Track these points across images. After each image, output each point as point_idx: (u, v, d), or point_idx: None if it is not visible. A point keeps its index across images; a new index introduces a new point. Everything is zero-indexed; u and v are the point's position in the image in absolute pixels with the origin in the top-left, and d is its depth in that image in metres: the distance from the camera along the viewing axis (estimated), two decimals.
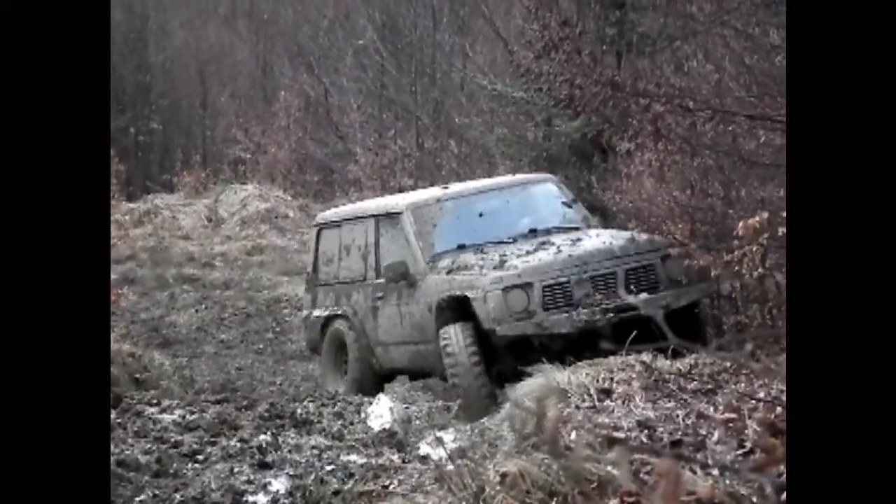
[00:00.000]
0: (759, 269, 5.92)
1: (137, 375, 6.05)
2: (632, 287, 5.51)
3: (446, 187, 6.74)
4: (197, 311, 10.30)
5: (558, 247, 5.74)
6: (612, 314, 5.36)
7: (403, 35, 15.61)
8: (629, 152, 7.00)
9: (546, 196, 6.40)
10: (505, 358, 5.48)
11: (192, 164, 17.74)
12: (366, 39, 16.30)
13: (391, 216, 6.23)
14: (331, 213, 7.06)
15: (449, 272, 5.74)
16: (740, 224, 5.06)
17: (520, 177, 7.12)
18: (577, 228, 6.15)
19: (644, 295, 5.46)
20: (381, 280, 6.12)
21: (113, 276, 10.64)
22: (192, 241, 13.06)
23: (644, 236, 5.88)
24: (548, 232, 6.03)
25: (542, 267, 5.51)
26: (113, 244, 10.42)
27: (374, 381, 6.30)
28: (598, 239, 5.88)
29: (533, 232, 6.04)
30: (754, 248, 5.75)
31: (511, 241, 5.91)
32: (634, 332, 4.32)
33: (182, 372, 7.36)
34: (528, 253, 5.72)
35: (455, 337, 5.49)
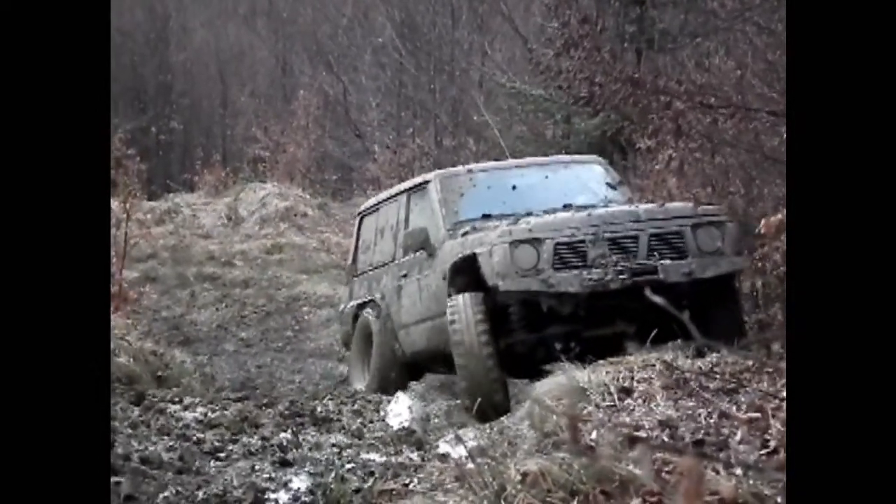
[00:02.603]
0: (781, 268, 5.86)
1: (159, 373, 6.09)
2: (654, 253, 4.99)
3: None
4: (217, 309, 10.37)
5: (580, 208, 5.35)
6: (626, 276, 4.88)
7: (422, 33, 15.61)
8: (649, 150, 6.96)
9: (589, 176, 5.95)
10: (516, 331, 4.97)
11: (212, 163, 17.84)
12: (384, 38, 16.32)
13: (421, 188, 5.91)
14: (372, 199, 6.76)
15: (465, 234, 5.38)
16: (762, 222, 5.01)
17: (564, 156, 6.77)
18: None
19: (667, 261, 4.98)
20: (407, 257, 5.79)
21: (134, 275, 10.74)
22: (212, 239, 13.15)
23: (677, 204, 5.40)
24: (584, 208, 5.46)
25: (556, 223, 5.06)
26: (134, 243, 10.53)
27: (398, 372, 5.87)
28: (626, 205, 5.46)
29: (568, 207, 5.55)
30: (776, 246, 5.70)
31: (541, 212, 5.44)
32: (655, 331, 4.25)
33: (203, 370, 7.41)
34: (547, 214, 5.33)
35: (462, 306, 5.00)
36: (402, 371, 5.93)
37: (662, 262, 4.98)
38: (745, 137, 5.89)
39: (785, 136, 5.64)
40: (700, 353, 4.05)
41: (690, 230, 5.11)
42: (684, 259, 5.04)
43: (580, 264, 4.96)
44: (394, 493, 3.33)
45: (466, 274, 5.13)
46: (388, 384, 5.77)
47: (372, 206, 6.49)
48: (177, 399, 4.87)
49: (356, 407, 4.88)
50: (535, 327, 4.96)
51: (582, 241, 4.98)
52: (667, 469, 2.50)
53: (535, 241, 4.95)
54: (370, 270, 6.26)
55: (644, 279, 4.81)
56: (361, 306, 6.21)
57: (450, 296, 5.16)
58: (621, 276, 4.89)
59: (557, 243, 4.96)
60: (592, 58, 5.96)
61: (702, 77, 6.46)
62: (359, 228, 6.55)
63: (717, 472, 2.43)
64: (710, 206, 5.39)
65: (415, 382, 6.29)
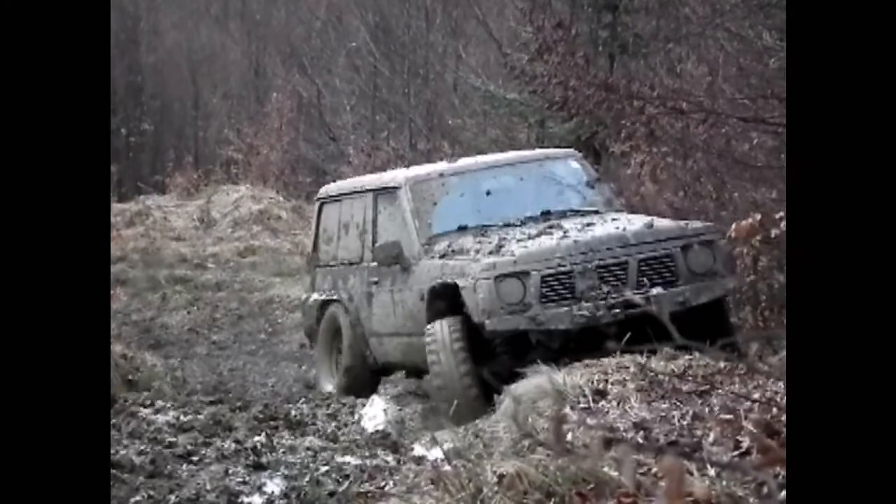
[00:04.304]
0: (752, 271, 5.94)
1: (130, 377, 6.01)
2: (644, 280, 4.80)
3: (455, 160, 6.08)
4: (189, 312, 10.26)
5: (565, 231, 5.06)
6: (618, 310, 4.68)
7: (396, 37, 15.61)
8: (623, 154, 7.03)
9: (566, 174, 5.61)
10: (500, 357, 4.84)
11: (183, 165, 17.68)
12: (358, 41, 16.29)
13: (390, 191, 5.61)
14: (333, 187, 6.41)
15: (442, 256, 5.12)
16: (733, 226, 5.07)
17: (538, 152, 6.32)
18: (597, 212, 5.40)
19: (658, 289, 4.79)
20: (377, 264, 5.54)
21: None
22: (183, 242, 13.02)
23: (666, 222, 5.18)
24: (563, 215, 5.33)
25: (542, 253, 4.83)
26: None
27: (369, 376, 5.74)
28: (611, 224, 5.16)
29: (546, 214, 5.35)
30: (746, 250, 5.78)
31: (519, 223, 5.26)
32: (629, 334, 4.25)
33: (174, 373, 7.34)
34: (529, 237, 5.05)
35: (440, 334, 4.84)
36: (374, 375, 5.80)
37: (654, 291, 4.80)
38: (716, 142, 5.97)
39: (756, 141, 5.74)
40: (673, 356, 4.06)
41: (681, 251, 4.92)
42: (676, 285, 4.87)
43: (569, 297, 4.78)
44: (369, 495, 3.32)
45: (446, 299, 4.96)
46: (359, 388, 5.61)
47: (334, 196, 6.16)
48: (148, 402, 4.82)
49: (330, 410, 4.86)
50: (520, 355, 4.79)
51: (570, 272, 4.78)
52: (642, 471, 2.52)
53: (521, 275, 4.74)
54: (335, 265, 5.99)
55: (637, 312, 4.57)
56: (327, 302, 5.97)
57: (429, 319, 4.98)
58: (613, 311, 4.71)
59: (544, 276, 4.75)
60: (566, 62, 6.01)
61: (674, 82, 6.55)
62: (319, 215, 6.20)
63: (691, 473, 2.46)
64: (699, 224, 5.23)
65: (390, 386, 6.25)
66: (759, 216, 5.00)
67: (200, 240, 13.04)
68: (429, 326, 4.96)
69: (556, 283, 4.80)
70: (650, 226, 5.07)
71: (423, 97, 14.79)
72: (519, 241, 5.06)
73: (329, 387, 5.89)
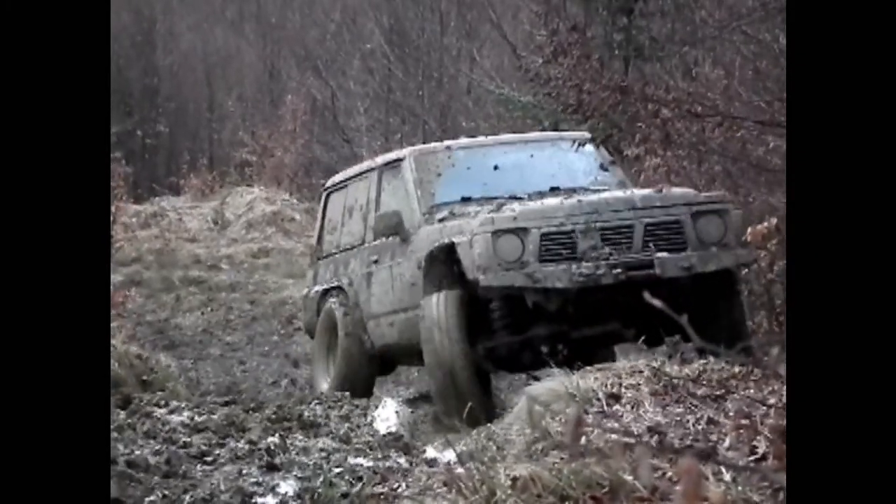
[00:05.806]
0: (768, 276, 5.91)
1: (144, 377, 6.05)
2: (650, 245, 4.55)
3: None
4: (203, 313, 10.32)
5: (569, 194, 4.88)
6: (620, 270, 4.43)
7: (411, 39, 15.65)
8: (637, 157, 7.01)
9: (578, 155, 5.38)
10: (497, 333, 4.59)
11: (198, 166, 17.77)
12: (373, 43, 16.34)
13: (394, 165, 5.39)
14: (339, 175, 6.16)
15: (442, 220, 4.91)
16: (748, 230, 5.04)
17: (551, 133, 6.19)
18: (608, 190, 5.14)
19: (664, 253, 4.55)
20: (378, 241, 5.31)
21: (119, 279, 10.68)
22: (198, 243, 13.09)
23: (676, 189, 4.94)
24: (573, 191, 5.06)
25: (544, 211, 4.61)
26: (119, 246, 10.46)
27: (366, 367, 5.40)
28: (619, 190, 4.98)
29: (555, 190, 5.11)
30: (762, 255, 5.75)
31: (526, 196, 4.99)
32: (644, 337, 4.22)
33: (188, 374, 7.37)
34: (533, 200, 4.86)
35: (436, 308, 4.57)
36: (372, 366, 5.48)
37: (659, 255, 4.55)
38: (731, 146, 5.95)
39: (772, 144, 5.71)
40: (685, 360, 4.03)
41: (690, 219, 4.67)
42: (683, 251, 4.62)
43: (569, 257, 4.53)
44: (382, 497, 3.33)
45: (444, 264, 4.71)
46: (356, 382, 5.35)
47: (339, 183, 5.94)
48: (163, 403, 4.84)
49: (343, 412, 4.86)
50: (519, 327, 4.59)
51: (571, 231, 4.55)
52: (657, 474, 2.51)
53: (520, 231, 4.51)
54: (337, 253, 5.74)
55: (639, 274, 4.40)
56: (327, 292, 5.68)
57: (425, 289, 4.72)
58: (614, 271, 4.46)
59: (544, 233, 4.52)
60: (581, 65, 5.99)
61: (689, 86, 6.53)
62: (325, 206, 5.98)
63: (707, 478, 2.45)
64: (713, 193, 5.01)
65: (401, 388, 6.22)
66: (774, 220, 4.97)
67: (214, 241, 13.11)
68: (424, 300, 4.70)
69: (556, 242, 4.56)
70: (660, 191, 4.85)
71: (437, 100, 14.81)
72: (521, 202, 4.86)
73: (324, 385, 5.65)
